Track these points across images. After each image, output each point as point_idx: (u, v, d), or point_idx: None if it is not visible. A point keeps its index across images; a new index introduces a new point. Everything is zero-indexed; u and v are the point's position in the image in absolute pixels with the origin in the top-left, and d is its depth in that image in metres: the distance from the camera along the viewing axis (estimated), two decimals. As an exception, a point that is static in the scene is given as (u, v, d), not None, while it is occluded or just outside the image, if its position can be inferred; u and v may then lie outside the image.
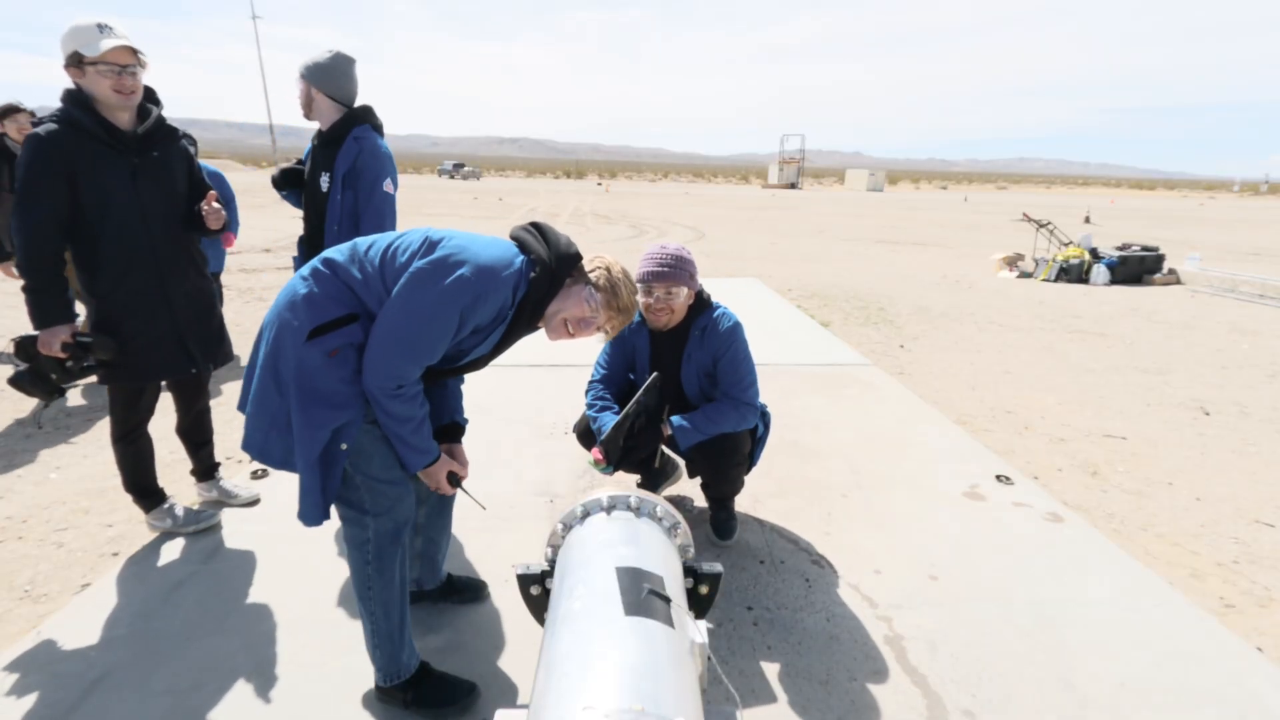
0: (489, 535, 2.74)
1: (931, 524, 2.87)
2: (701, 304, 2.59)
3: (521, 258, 1.69)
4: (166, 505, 2.72)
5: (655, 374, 2.43)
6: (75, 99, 2.25)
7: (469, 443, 3.53)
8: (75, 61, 2.22)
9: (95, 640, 2.07)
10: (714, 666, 1.54)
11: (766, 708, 1.88)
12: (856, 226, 19.76)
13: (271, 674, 1.96)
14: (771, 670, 2.02)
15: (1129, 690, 1.96)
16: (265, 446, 1.65)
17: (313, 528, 1.66)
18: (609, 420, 2.58)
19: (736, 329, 2.57)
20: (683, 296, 2.51)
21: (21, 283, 2.23)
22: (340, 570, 2.46)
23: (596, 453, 2.47)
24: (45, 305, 2.23)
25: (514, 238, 1.77)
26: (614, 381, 2.77)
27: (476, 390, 4.23)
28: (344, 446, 1.63)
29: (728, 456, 2.55)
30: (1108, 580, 2.50)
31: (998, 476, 3.31)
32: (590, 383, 2.79)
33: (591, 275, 1.79)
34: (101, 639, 2.08)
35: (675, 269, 2.46)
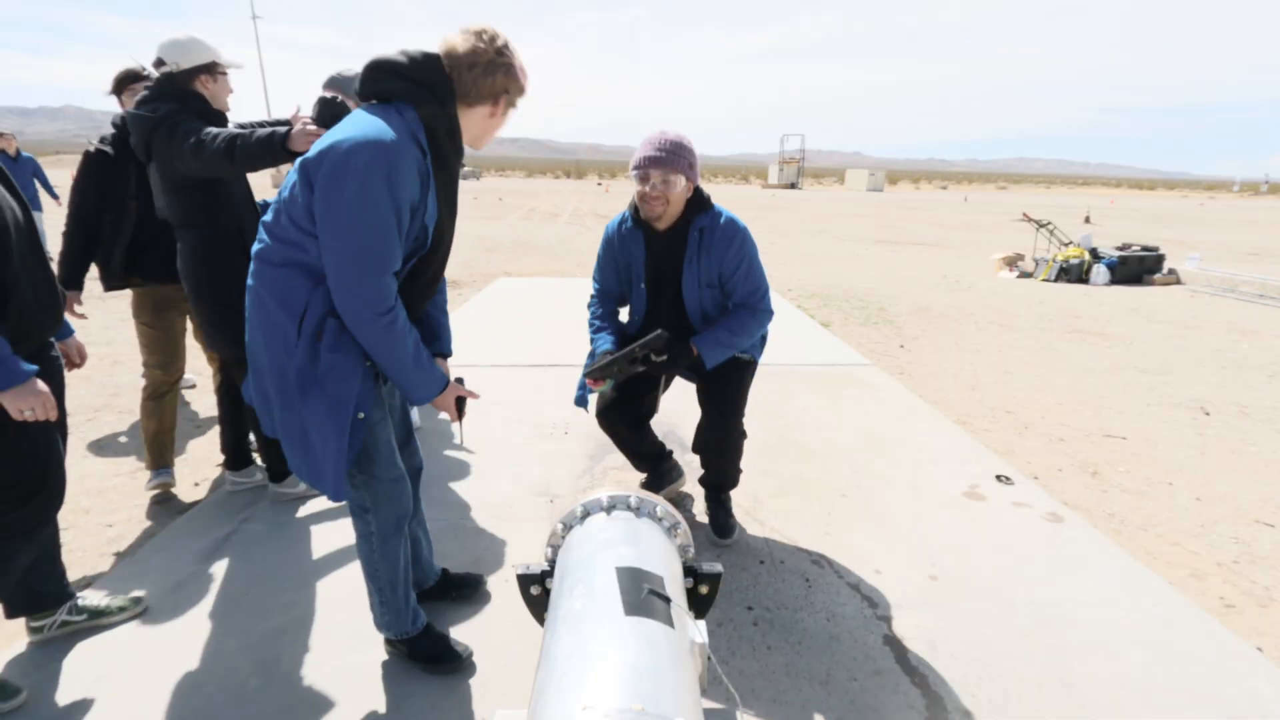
0: (489, 535, 2.74)
1: (931, 524, 2.87)
2: (701, 204, 2.43)
3: (390, 109, 1.56)
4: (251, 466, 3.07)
5: (661, 332, 2.29)
6: (204, 100, 2.55)
7: (468, 444, 3.54)
8: (210, 69, 2.55)
9: (95, 640, 2.07)
10: (714, 666, 1.54)
11: (766, 708, 1.88)
12: (856, 226, 19.76)
13: (272, 674, 1.96)
14: (771, 670, 2.02)
15: (1129, 690, 1.96)
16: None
17: (320, 505, 1.67)
18: (604, 343, 2.52)
19: (746, 235, 2.42)
20: (679, 186, 2.34)
21: None
22: (340, 570, 2.46)
23: (591, 382, 2.40)
24: None
25: (365, 97, 1.63)
26: (611, 296, 2.69)
27: (474, 389, 4.23)
28: (361, 415, 1.64)
29: (730, 401, 2.53)
30: (1108, 580, 2.51)
31: (998, 476, 3.31)
32: (590, 298, 2.72)
33: (469, 79, 1.60)
34: (102, 639, 2.08)
35: (673, 154, 2.31)
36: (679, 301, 2.53)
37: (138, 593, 2.25)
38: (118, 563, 2.55)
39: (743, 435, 2.67)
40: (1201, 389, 5.04)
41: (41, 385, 1.70)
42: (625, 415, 2.74)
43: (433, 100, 1.59)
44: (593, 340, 2.59)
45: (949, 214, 26.74)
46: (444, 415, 1.83)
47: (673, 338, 2.35)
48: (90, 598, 2.16)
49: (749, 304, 2.44)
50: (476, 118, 1.68)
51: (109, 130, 2.83)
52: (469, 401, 1.93)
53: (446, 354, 2.03)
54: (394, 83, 1.58)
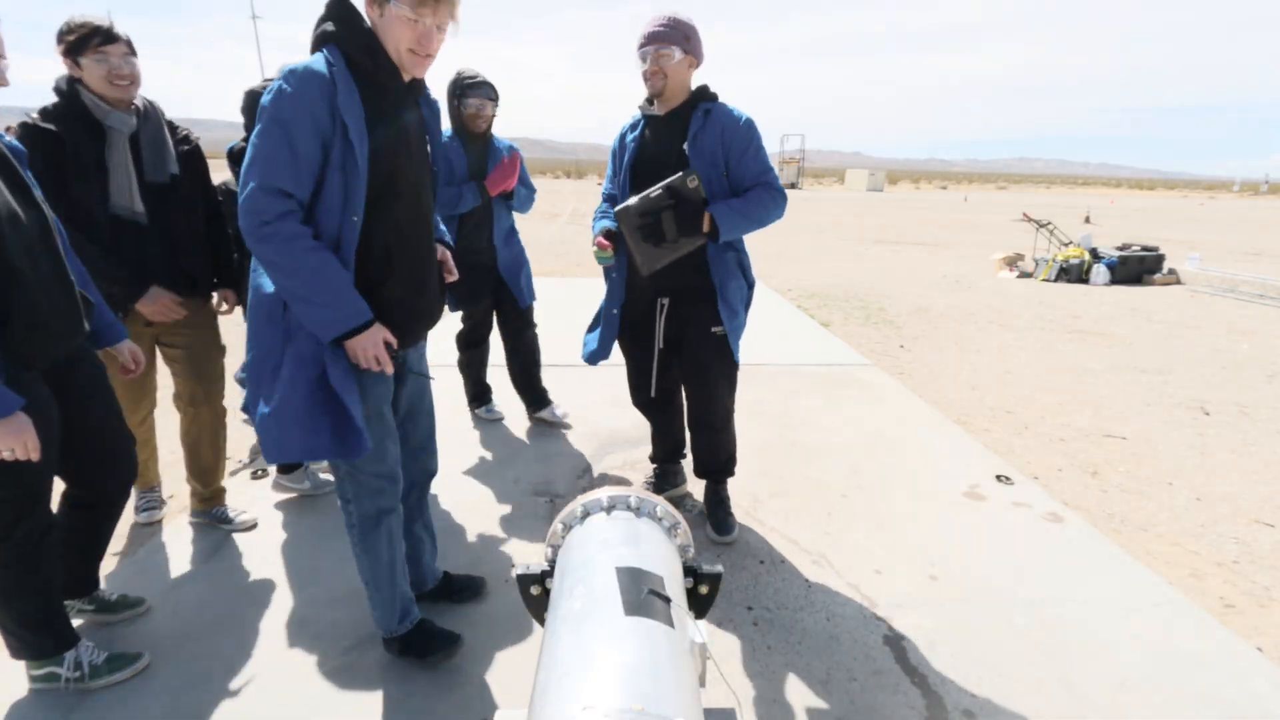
0: (489, 535, 2.74)
1: (931, 524, 2.87)
2: (709, 95, 2.43)
3: (317, 54, 1.65)
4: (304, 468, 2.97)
5: (693, 171, 2.30)
6: None
7: (468, 444, 3.54)
8: None
9: (94, 640, 2.07)
10: (714, 666, 1.54)
11: (766, 708, 1.88)
12: (856, 226, 19.76)
13: (272, 674, 1.96)
14: (771, 670, 2.03)
15: (1129, 690, 1.96)
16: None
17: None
18: (606, 223, 2.55)
19: (752, 121, 2.41)
20: (674, 59, 2.32)
21: None
22: (340, 570, 2.46)
23: (601, 239, 2.44)
24: None
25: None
26: (618, 197, 2.63)
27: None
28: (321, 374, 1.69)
29: (717, 360, 2.52)
30: (1108, 580, 2.50)
31: (998, 476, 3.31)
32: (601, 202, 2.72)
33: None
34: (101, 638, 2.07)
35: (668, 28, 2.31)
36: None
37: (139, 595, 2.26)
38: (118, 563, 2.55)
39: (730, 408, 2.67)
40: (1201, 389, 5.04)
41: (24, 422, 1.55)
42: (646, 391, 2.78)
43: (338, 25, 1.64)
44: (593, 227, 2.61)
45: (949, 214, 26.74)
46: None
47: (694, 188, 2.30)
48: (103, 592, 2.19)
49: (762, 181, 2.38)
50: (390, 22, 1.62)
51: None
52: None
53: (447, 245, 2.07)
54: (319, 33, 1.67)
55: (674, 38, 2.31)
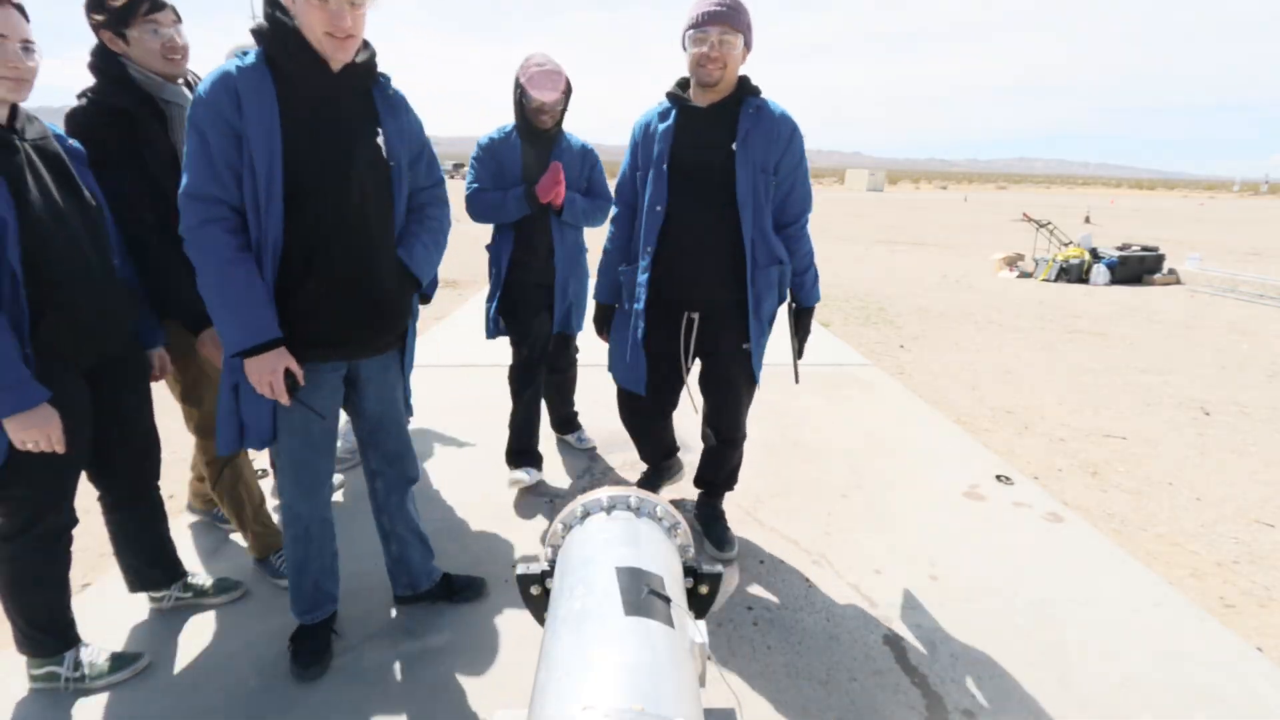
0: (489, 535, 2.74)
1: (931, 524, 2.87)
2: (752, 88, 2.21)
3: (237, 56, 1.67)
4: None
5: (792, 305, 2.47)
6: None
7: (468, 444, 3.54)
8: None
9: (95, 640, 2.07)
10: (714, 666, 1.54)
11: (766, 708, 1.88)
12: (856, 226, 19.76)
13: (271, 674, 1.96)
14: (771, 670, 2.03)
15: (1129, 690, 1.96)
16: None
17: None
18: (601, 292, 2.59)
19: (800, 131, 2.22)
20: (738, 49, 2.09)
21: None
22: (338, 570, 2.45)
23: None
24: None
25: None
26: (631, 209, 2.43)
27: (477, 389, 4.23)
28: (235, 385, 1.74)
29: (736, 377, 2.48)
30: (1108, 580, 2.50)
31: (998, 476, 3.31)
32: (610, 224, 2.58)
33: None
34: (101, 638, 2.07)
35: (733, 10, 2.05)
36: (717, 191, 2.21)
37: (235, 579, 2.35)
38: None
39: (746, 423, 2.63)
40: (1201, 389, 5.04)
41: (49, 414, 1.55)
42: (655, 412, 2.72)
43: (265, 22, 1.62)
44: (596, 290, 2.64)
45: (949, 214, 26.73)
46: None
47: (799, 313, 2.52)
48: (198, 578, 2.29)
49: (802, 211, 2.30)
50: (302, 9, 1.57)
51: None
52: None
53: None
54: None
55: (739, 24, 2.06)
